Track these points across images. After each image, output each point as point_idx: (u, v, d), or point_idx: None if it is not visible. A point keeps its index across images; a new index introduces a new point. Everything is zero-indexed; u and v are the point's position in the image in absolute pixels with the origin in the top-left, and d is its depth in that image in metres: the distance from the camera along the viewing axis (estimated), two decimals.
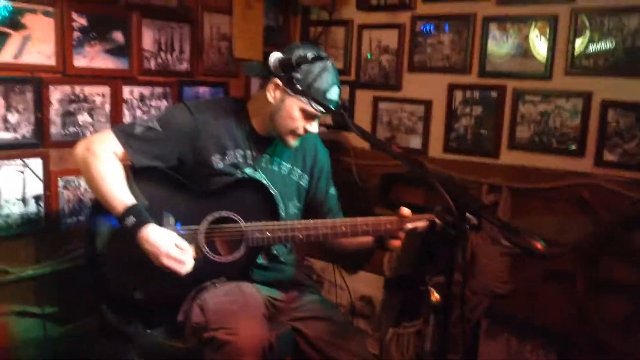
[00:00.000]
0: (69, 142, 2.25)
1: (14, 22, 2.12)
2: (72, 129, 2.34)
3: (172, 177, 1.83)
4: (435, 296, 1.31)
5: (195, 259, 1.71)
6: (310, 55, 1.70)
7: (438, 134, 2.90)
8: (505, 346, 2.61)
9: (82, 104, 2.37)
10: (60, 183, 2.32)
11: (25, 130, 2.21)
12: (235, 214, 1.77)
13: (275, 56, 1.71)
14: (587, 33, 2.46)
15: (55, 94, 2.28)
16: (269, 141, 1.91)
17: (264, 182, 1.86)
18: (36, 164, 2.24)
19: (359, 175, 3.05)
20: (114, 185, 1.71)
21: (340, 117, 1.62)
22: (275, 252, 1.93)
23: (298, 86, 1.69)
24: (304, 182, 2.00)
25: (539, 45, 2.58)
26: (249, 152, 1.88)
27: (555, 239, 2.45)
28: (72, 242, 2.33)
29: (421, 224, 1.71)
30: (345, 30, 3.15)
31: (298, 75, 1.69)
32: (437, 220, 1.52)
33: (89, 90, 2.38)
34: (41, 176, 2.26)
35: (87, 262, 1.83)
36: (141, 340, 1.81)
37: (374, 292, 3.01)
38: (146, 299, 1.77)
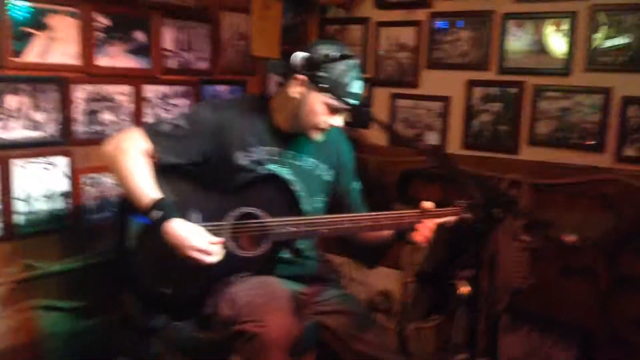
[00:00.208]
0: (94, 140, 2.30)
1: (39, 22, 2.15)
2: (96, 127, 2.37)
3: (197, 174, 1.85)
4: (465, 289, 1.33)
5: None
6: (334, 53, 1.72)
7: (456, 130, 2.91)
8: (525, 340, 2.61)
9: (105, 102, 2.40)
10: (85, 180, 2.36)
11: (51, 129, 2.24)
12: (259, 210, 1.79)
13: (299, 54, 1.74)
14: (606, 29, 2.46)
15: (80, 93, 2.31)
16: (293, 137, 1.93)
17: (287, 177, 1.87)
18: (62, 161, 2.28)
19: (376, 172, 3.06)
20: (142, 180, 1.75)
21: (365, 114, 1.64)
22: (299, 246, 1.95)
23: (323, 83, 1.72)
24: (329, 177, 2.01)
25: (558, 42, 2.59)
26: (274, 149, 1.91)
27: (577, 234, 2.45)
28: (97, 238, 2.37)
29: (452, 218, 1.73)
30: (363, 28, 3.16)
31: (323, 73, 1.72)
32: (467, 215, 1.53)
33: (112, 89, 2.41)
34: (67, 174, 2.30)
35: (117, 257, 1.86)
36: (169, 333, 1.84)
37: (391, 287, 3.03)
38: (174, 293, 1.80)
